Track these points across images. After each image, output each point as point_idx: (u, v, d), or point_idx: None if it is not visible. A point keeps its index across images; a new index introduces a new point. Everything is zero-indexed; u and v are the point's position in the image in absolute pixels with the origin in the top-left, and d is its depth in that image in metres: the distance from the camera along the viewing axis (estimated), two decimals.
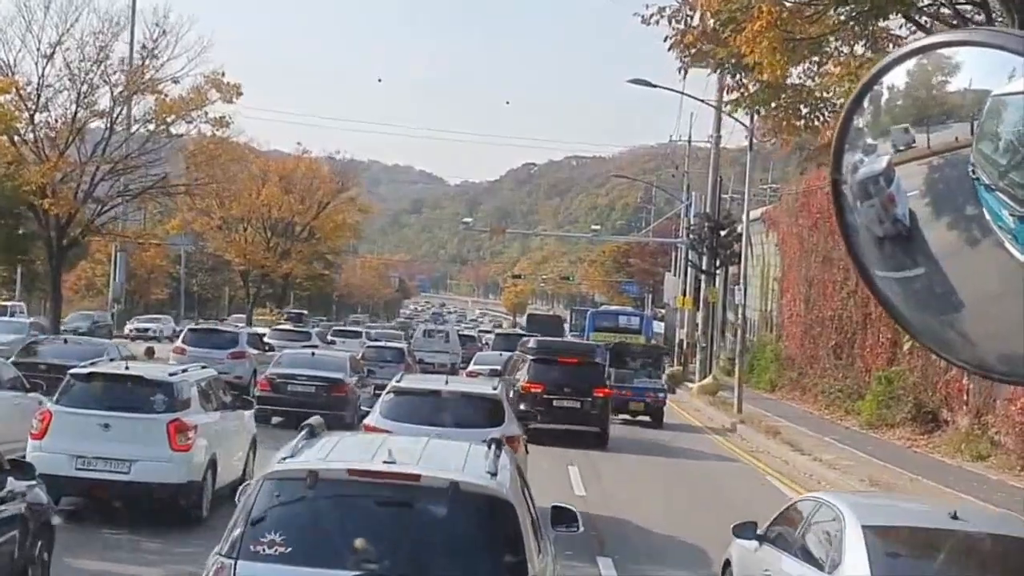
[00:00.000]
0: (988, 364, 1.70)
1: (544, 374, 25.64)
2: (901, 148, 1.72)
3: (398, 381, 15.64)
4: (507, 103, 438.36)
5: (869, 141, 1.76)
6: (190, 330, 33.36)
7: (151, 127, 31.96)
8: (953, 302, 1.69)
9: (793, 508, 10.35)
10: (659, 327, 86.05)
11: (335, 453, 7.34)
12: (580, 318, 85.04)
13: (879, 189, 1.74)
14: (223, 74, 32.22)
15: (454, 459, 7.43)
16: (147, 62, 31.88)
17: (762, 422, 32.32)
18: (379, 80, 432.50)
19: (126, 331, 60.39)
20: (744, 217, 35.71)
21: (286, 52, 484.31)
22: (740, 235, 44.68)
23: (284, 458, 7.06)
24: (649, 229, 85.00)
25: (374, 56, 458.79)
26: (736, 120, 36.22)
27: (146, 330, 59.92)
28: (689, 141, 72.48)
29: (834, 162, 1.79)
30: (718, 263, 45.02)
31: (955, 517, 8.56)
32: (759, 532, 10.24)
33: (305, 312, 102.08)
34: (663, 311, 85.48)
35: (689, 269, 54.35)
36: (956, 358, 1.74)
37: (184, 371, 15.40)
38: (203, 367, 16.58)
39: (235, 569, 6.36)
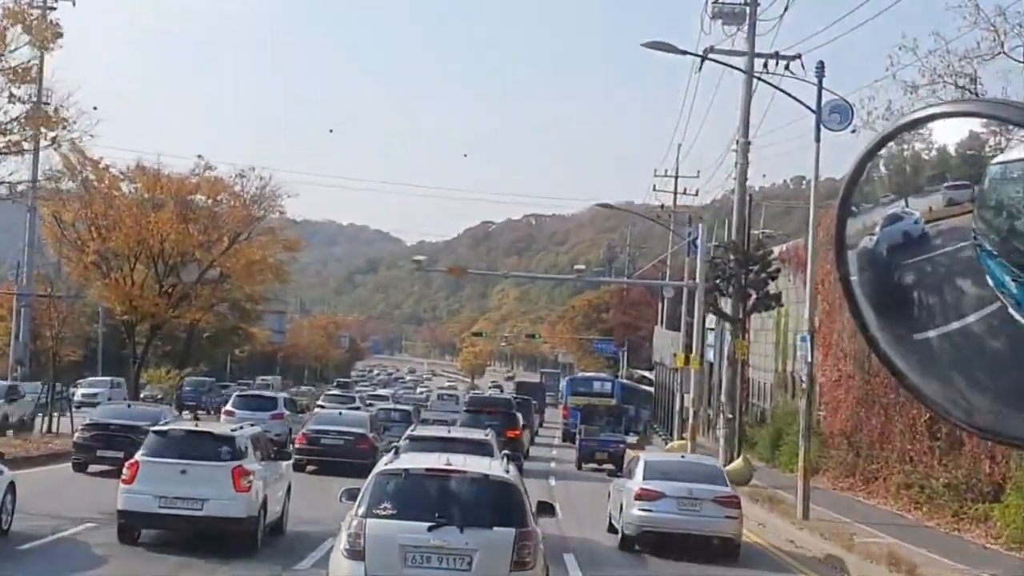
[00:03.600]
0: (1008, 430, 1.68)
1: (472, 421, 33.79)
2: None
3: (412, 431, 22.98)
4: (464, 155, 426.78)
5: (873, 207, 1.79)
6: (238, 396, 40.48)
7: None
8: (966, 367, 1.68)
9: (631, 461, 24.12)
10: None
11: (414, 461, 13.09)
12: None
13: None
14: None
15: (483, 464, 13.38)
16: None
17: (852, 536, 21.62)
18: (331, 131, 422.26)
19: None
20: (809, 225, 25.00)
21: (232, 102, 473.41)
22: (777, 271, 34.16)
23: (386, 463, 12.80)
24: (635, 274, 74.21)
25: (326, 107, 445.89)
26: (799, 102, 25.67)
27: None
28: (676, 176, 62.56)
29: (838, 229, 1.82)
30: (748, 307, 34.14)
31: (683, 457, 24.52)
32: (619, 474, 24.34)
33: (349, 379, 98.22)
34: (646, 373, 74.92)
35: (694, 319, 43.62)
36: (975, 426, 1.71)
37: (241, 428, 19.60)
38: (252, 425, 21.00)
39: (365, 523, 11.59)
